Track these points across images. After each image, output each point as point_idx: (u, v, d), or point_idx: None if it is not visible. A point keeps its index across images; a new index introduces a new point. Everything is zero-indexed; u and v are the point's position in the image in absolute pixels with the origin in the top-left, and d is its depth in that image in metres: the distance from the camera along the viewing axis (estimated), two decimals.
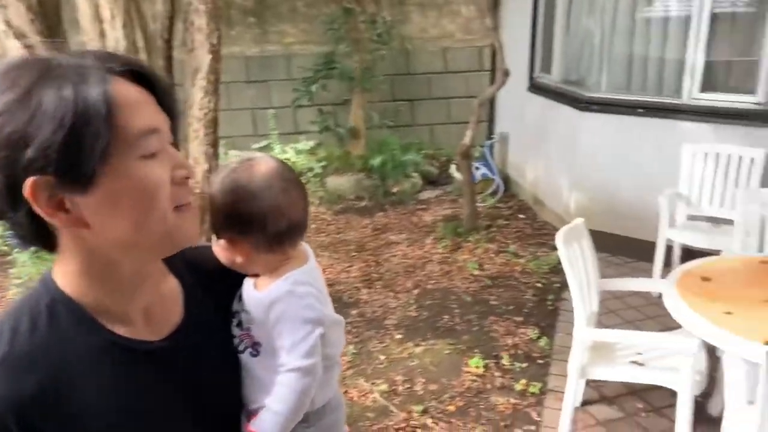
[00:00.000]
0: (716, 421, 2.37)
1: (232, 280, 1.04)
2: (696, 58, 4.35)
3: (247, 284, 1.03)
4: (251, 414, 1.00)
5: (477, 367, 3.38)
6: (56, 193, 0.74)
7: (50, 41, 2.97)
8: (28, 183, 0.73)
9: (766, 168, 4.02)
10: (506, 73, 5.18)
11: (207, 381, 0.95)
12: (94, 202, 0.76)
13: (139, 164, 0.77)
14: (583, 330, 2.56)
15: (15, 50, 2.96)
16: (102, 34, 3.00)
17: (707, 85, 4.36)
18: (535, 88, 5.84)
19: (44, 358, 0.78)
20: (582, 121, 4.87)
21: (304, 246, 1.07)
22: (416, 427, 2.93)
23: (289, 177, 1.01)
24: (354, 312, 4.04)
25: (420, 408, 3.05)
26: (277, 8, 7.41)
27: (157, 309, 0.91)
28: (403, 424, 2.94)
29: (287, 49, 7.46)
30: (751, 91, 4.14)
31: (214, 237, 1.01)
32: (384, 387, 3.23)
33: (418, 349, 3.59)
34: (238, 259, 1.00)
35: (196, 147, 3.24)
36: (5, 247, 4.97)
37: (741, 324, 2.18)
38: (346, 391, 3.21)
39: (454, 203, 6.09)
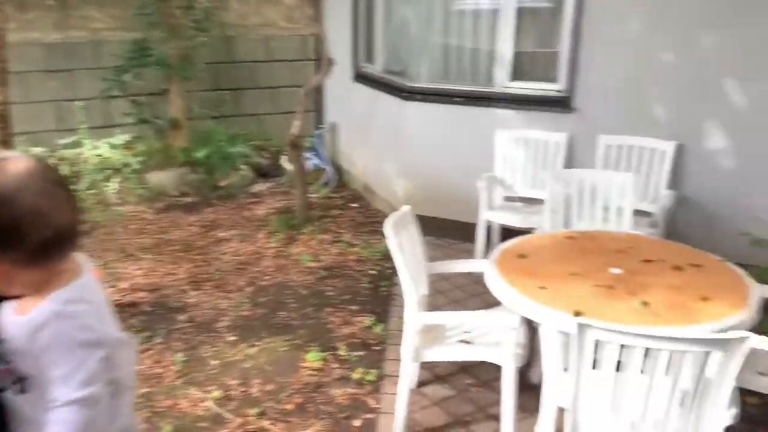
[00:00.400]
0: (537, 389, 2.54)
1: None
2: (505, 49, 4.63)
3: (6, 310, 0.88)
4: None
5: (314, 361, 3.33)
6: None
7: None
8: None
9: (568, 150, 4.40)
10: (330, 63, 5.16)
11: None
12: None
13: None
14: (413, 314, 2.60)
15: None
16: None
17: (516, 75, 4.67)
18: (360, 77, 5.89)
19: None
20: (405, 110, 4.99)
21: (78, 257, 0.93)
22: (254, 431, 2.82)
23: (51, 177, 0.87)
24: (182, 317, 3.80)
25: (256, 411, 2.94)
26: None
27: None
28: (239, 431, 2.81)
29: (94, 35, 6.82)
30: (553, 80, 4.49)
31: None
32: (217, 394, 3.07)
33: (252, 350, 3.46)
34: None
35: None
36: None
37: (553, 297, 2.34)
38: (175, 403, 3.00)
39: (286, 195, 5.99)
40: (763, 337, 2.01)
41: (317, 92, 6.78)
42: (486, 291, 2.57)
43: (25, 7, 6.51)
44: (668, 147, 4.03)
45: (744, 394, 2.35)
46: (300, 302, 3.99)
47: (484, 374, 3.16)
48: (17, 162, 0.84)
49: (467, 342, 2.72)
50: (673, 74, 4.00)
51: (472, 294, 3.97)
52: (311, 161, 6.34)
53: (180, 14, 6.21)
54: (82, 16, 6.79)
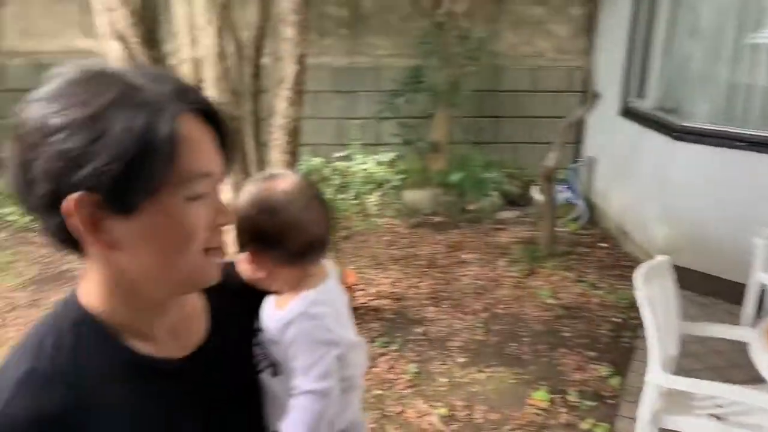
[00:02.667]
0: None
1: (255, 297, 1.03)
2: None
3: (269, 303, 1.03)
4: None
5: (542, 400, 3.24)
6: (97, 213, 0.75)
7: (147, 47, 3.11)
8: (73, 197, 0.73)
9: None
10: (596, 96, 5.00)
11: (227, 400, 0.94)
12: (132, 229, 0.76)
13: (184, 205, 0.78)
14: (656, 375, 2.39)
15: (115, 52, 3.12)
16: (194, 41, 3.11)
17: None
18: (627, 113, 5.60)
19: (68, 377, 0.78)
20: (675, 151, 4.62)
21: (326, 264, 1.06)
22: None
23: (312, 193, 1.01)
24: (418, 330, 3.98)
25: None
26: (370, 21, 7.50)
27: (181, 327, 0.91)
28: None
29: (377, 62, 7.52)
30: None
31: (238, 251, 1.01)
32: (443, 411, 3.16)
33: (481, 376, 3.49)
34: (260, 274, 1.00)
35: (276, 155, 3.30)
36: None
37: None
38: (403, 411, 3.16)
39: (532, 226, 5.93)
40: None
41: (578, 125, 6.61)
42: (750, 363, 2.26)
43: (324, 35, 7.44)
44: None
45: None
46: (533, 337, 3.92)
47: None
48: (287, 179, 1.01)
49: (718, 417, 2.42)
50: None
51: (733, 364, 3.51)
52: (563, 194, 6.19)
53: (455, 44, 6.55)
54: (369, 43, 7.53)
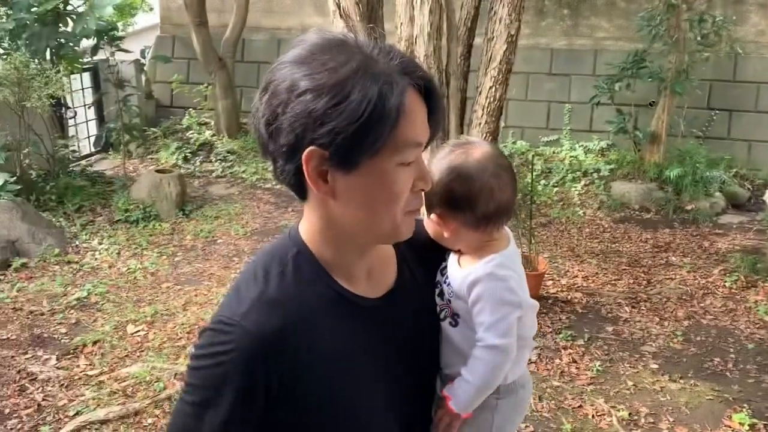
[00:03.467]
0: None
1: (438, 253, 1.11)
2: None
3: (452, 259, 1.09)
4: (446, 378, 1.07)
5: (742, 423, 2.92)
6: (324, 166, 0.86)
7: (368, 25, 3.31)
8: (308, 150, 0.85)
9: None
10: None
11: (414, 339, 1.04)
12: (350, 183, 0.88)
13: (396, 169, 0.88)
14: None
15: (339, 29, 3.37)
16: (411, 20, 3.24)
17: None
18: None
19: (289, 302, 0.91)
20: None
21: (507, 230, 1.10)
22: None
23: (503, 163, 1.06)
24: (610, 328, 3.79)
25: None
26: (593, 1, 7.15)
27: (376, 270, 1.01)
28: None
29: (596, 44, 7.16)
30: None
31: (425, 211, 1.07)
32: (624, 414, 3.00)
33: (673, 386, 3.24)
34: (446, 234, 1.06)
35: (476, 133, 3.33)
36: None
37: None
38: (581, 406, 3.06)
39: (759, 234, 5.28)
40: None
41: None
42: None
43: (542, 15, 7.25)
44: None
45: None
46: (742, 355, 3.53)
47: None
48: (480, 147, 1.06)
49: None
50: None
51: None
52: None
53: (687, 27, 5.98)
54: (590, 25, 7.18)
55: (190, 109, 7.58)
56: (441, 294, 1.08)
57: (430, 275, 1.11)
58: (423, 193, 0.93)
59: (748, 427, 2.90)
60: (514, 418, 1.13)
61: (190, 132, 7.37)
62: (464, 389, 1.03)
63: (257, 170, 6.81)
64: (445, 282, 1.08)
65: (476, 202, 1.03)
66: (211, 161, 7.07)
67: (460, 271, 1.06)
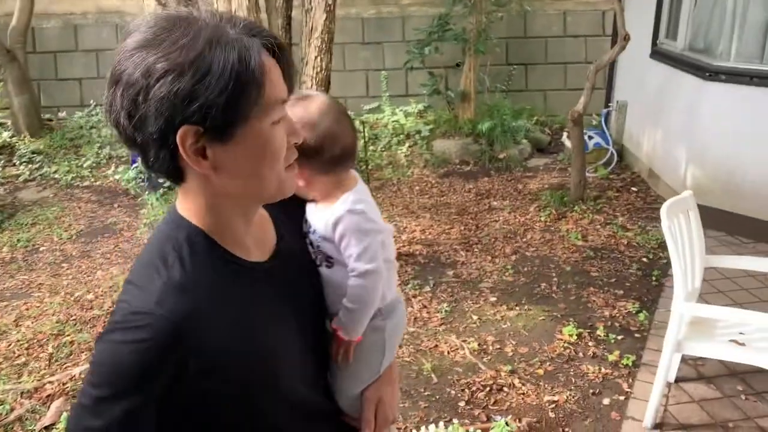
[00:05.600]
0: None
1: (299, 207, 1.19)
2: None
3: (310, 208, 1.19)
4: (333, 316, 1.18)
5: (570, 335, 3.37)
6: (200, 142, 0.87)
7: (181, 3, 3.21)
8: (182, 130, 0.85)
9: None
10: (626, 38, 4.95)
11: (307, 291, 1.13)
12: (230, 153, 0.89)
13: (270, 128, 0.91)
14: (681, 302, 2.49)
15: (151, 8, 3.23)
16: None
17: None
18: (658, 55, 5.54)
19: (194, 283, 0.92)
20: (707, 92, 4.59)
21: (352, 171, 1.21)
22: (503, 386, 2.99)
23: (341, 109, 1.17)
24: (450, 272, 4.12)
25: (508, 368, 3.11)
26: None
27: (259, 234, 1.05)
28: (490, 382, 3.02)
29: (403, 11, 7.49)
30: None
31: None
32: (474, 345, 3.31)
33: (511, 313, 3.62)
34: (300, 183, 1.13)
35: None
36: (137, 190, 5.46)
37: None
38: (436, 345, 3.32)
39: (562, 172, 5.97)
40: None
41: (609, 69, 6.54)
42: None
43: None
44: None
45: None
46: (562, 278, 4.03)
47: (760, 384, 2.87)
48: (319, 98, 1.17)
49: (739, 343, 2.51)
50: None
51: (760, 299, 3.58)
52: (593, 140, 6.18)
53: None
54: None
55: None
56: (310, 243, 1.17)
57: (297, 228, 1.19)
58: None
59: (576, 337, 3.35)
60: (398, 332, 1.27)
61: None
62: (349, 317, 1.15)
63: (71, 168, 6.29)
64: (310, 231, 1.17)
65: (323, 148, 1.12)
66: (14, 165, 6.39)
67: (320, 216, 1.15)
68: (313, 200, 1.19)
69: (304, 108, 1.11)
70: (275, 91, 0.90)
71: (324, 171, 1.14)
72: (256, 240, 1.04)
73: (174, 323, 0.87)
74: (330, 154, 1.12)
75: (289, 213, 1.15)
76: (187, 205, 0.96)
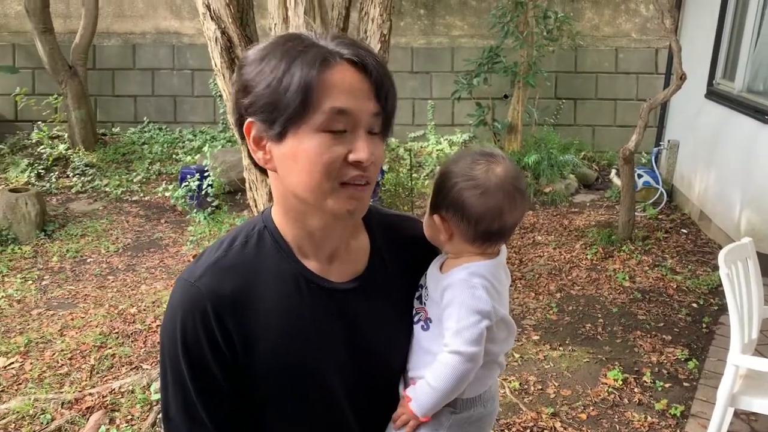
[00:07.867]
0: None
1: (424, 253, 1.12)
2: None
3: (434, 264, 1.10)
4: (410, 380, 1.08)
5: (615, 379, 3.25)
6: (261, 134, 0.94)
7: (239, 26, 3.27)
8: (247, 121, 0.94)
9: None
10: (683, 77, 4.85)
11: (374, 332, 1.05)
12: (281, 153, 0.94)
13: (318, 136, 0.91)
14: (737, 354, 2.38)
15: (210, 32, 3.30)
16: (285, 20, 3.25)
17: None
18: (714, 95, 5.42)
19: (245, 271, 0.98)
20: (765, 135, 4.45)
21: (502, 247, 1.10)
22: (544, 428, 2.90)
23: (519, 185, 1.05)
24: None
25: (550, 410, 3.01)
26: (447, 0, 7.50)
27: (342, 257, 1.04)
28: (531, 423, 2.93)
29: (453, 42, 7.53)
30: None
31: (427, 210, 1.08)
32: (515, 384, 3.22)
33: (554, 353, 3.53)
34: (442, 237, 1.07)
35: None
36: (185, 207, 5.55)
37: None
38: None
39: (610, 210, 5.85)
40: None
41: (661, 108, 6.42)
42: None
43: (402, 16, 7.50)
44: None
45: None
46: (608, 319, 3.91)
47: None
48: (504, 164, 1.05)
49: None
50: None
51: None
52: (642, 179, 6.05)
53: (534, 23, 6.48)
54: (446, 24, 7.54)
55: (39, 123, 7.01)
56: (420, 298, 1.08)
57: (407, 272, 1.11)
58: (362, 165, 0.92)
59: (621, 382, 3.23)
60: None
61: (42, 147, 6.82)
62: (426, 392, 1.03)
63: (122, 182, 6.46)
64: (425, 286, 1.08)
65: (483, 219, 1.02)
66: (68, 176, 6.59)
67: (439, 277, 1.06)
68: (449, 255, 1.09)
69: (485, 168, 1.02)
70: (333, 101, 0.89)
71: (470, 239, 1.04)
72: (335, 260, 1.03)
73: (207, 298, 0.94)
74: (485, 227, 1.02)
75: (403, 253, 1.11)
76: (274, 205, 1.04)
